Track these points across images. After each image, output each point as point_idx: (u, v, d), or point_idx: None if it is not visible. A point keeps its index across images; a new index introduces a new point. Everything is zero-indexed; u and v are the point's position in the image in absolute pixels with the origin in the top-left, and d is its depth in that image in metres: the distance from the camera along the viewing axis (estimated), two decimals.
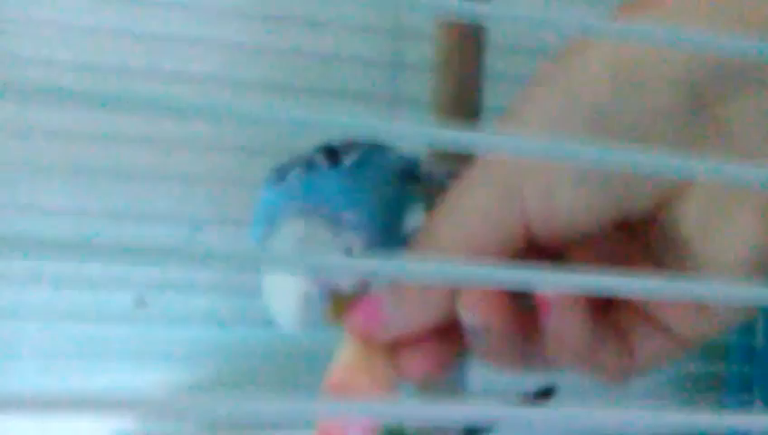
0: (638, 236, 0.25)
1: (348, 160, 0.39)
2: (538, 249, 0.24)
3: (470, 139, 0.14)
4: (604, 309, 0.26)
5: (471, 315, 0.24)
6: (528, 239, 0.24)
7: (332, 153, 0.39)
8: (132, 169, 0.66)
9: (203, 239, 0.67)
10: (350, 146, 0.40)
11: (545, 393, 0.66)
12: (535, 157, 0.13)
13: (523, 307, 0.26)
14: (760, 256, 0.22)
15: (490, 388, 0.64)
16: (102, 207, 0.64)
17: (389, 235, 0.31)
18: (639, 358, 0.25)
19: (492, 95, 0.50)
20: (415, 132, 0.13)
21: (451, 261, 0.13)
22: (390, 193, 0.41)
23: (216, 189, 0.67)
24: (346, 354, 0.27)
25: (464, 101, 0.50)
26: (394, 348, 0.26)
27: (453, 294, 0.25)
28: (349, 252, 0.33)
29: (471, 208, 0.24)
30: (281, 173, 0.37)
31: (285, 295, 0.33)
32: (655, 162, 0.15)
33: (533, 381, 0.66)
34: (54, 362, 0.63)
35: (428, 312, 0.25)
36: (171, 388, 0.66)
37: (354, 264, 0.13)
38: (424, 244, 0.26)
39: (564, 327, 0.24)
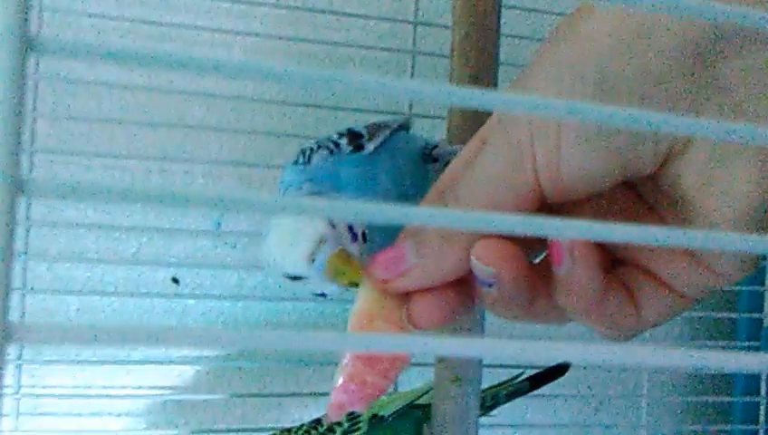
0: (643, 196, 0.26)
1: (370, 146, 0.40)
2: (548, 211, 0.25)
3: (484, 97, 0.15)
4: (610, 267, 0.27)
5: (483, 266, 0.24)
6: (538, 200, 0.24)
7: (355, 137, 0.40)
8: (161, 153, 0.68)
9: (230, 221, 0.69)
10: (375, 129, 0.41)
11: (558, 370, 0.66)
12: (546, 115, 0.15)
13: (533, 262, 0.27)
14: (759, 210, 0.23)
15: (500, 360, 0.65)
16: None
17: None
18: (644, 314, 0.26)
19: (506, 82, 0.51)
20: (431, 90, 0.14)
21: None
22: (410, 176, 0.43)
23: (244, 172, 0.69)
24: (362, 302, 0.27)
25: (479, 87, 0.51)
26: (406, 296, 0.26)
27: (471, 247, 0.25)
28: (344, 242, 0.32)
29: (483, 170, 0.24)
30: (307, 155, 0.38)
31: (298, 236, 0.33)
32: (655, 121, 0.16)
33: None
34: None
35: (449, 264, 0.25)
36: (203, 359, 0.68)
37: (367, 208, 0.14)
38: (434, 204, 0.26)
39: (575, 275, 0.24)
